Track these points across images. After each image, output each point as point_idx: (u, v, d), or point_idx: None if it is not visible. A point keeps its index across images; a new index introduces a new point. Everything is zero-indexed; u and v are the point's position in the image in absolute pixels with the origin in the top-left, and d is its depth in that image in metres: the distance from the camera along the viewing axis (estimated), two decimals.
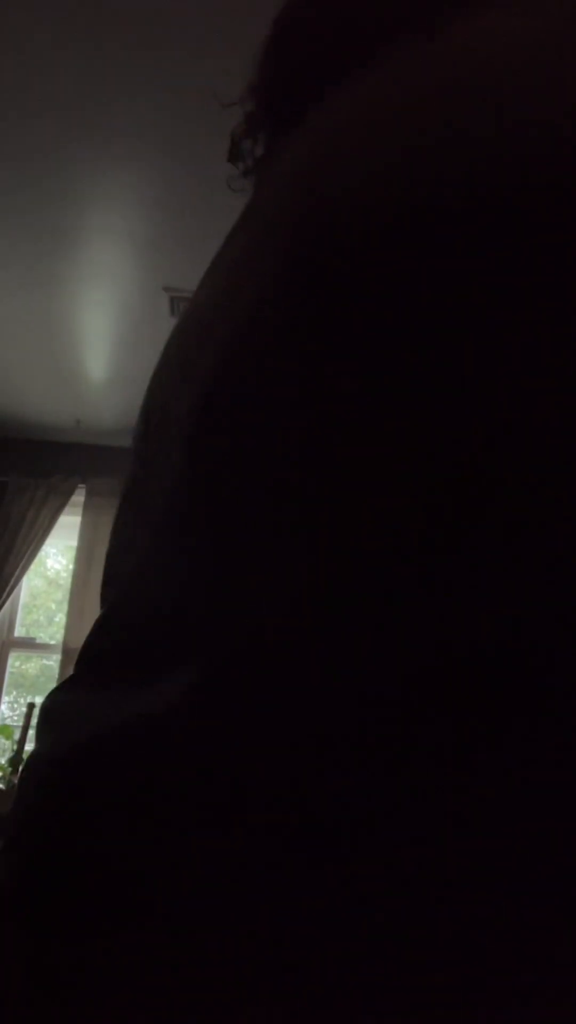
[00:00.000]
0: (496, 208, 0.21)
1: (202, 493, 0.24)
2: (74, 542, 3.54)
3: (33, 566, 3.37)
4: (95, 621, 0.28)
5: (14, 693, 3.73)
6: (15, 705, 3.69)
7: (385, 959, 0.17)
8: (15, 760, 2.63)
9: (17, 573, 3.25)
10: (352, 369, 0.22)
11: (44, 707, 0.28)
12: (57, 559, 4.68)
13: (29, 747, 2.59)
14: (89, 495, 3.38)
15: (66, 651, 3.19)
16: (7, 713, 3.54)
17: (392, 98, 0.26)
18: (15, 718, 3.54)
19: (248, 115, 0.42)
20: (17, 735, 2.72)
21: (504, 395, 0.20)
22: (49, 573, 4.77)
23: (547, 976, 0.16)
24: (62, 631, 3.30)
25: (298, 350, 0.23)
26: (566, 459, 0.19)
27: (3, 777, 2.63)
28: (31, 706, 2.74)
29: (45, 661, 3.87)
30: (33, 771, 0.25)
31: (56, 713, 0.26)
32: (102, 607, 0.29)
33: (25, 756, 2.34)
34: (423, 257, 0.22)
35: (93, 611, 3.08)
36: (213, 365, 0.26)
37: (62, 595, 4.36)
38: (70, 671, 0.38)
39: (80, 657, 0.28)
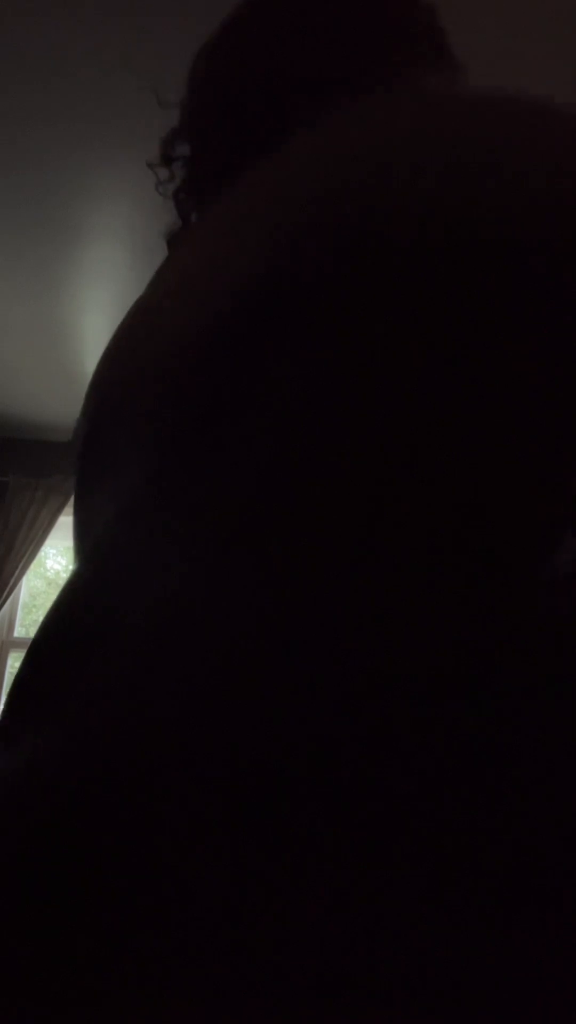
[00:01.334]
0: (504, 248, 0.22)
1: (181, 500, 0.25)
2: None
3: (33, 566, 3.37)
4: (65, 606, 0.27)
5: None
6: None
7: (385, 959, 0.17)
8: None
9: (17, 573, 3.25)
10: (298, 407, 0.23)
11: (9, 716, 0.27)
12: (57, 560, 4.68)
13: None
14: None
15: None
16: None
17: (394, 132, 0.27)
18: None
19: (186, 124, 0.44)
20: None
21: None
22: (49, 574, 4.77)
23: (547, 976, 0.16)
24: None
25: (272, 376, 0.24)
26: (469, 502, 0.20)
27: None
28: None
29: None
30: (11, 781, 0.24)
31: (22, 724, 0.26)
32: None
33: None
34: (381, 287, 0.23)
35: None
36: (189, 368, 0.27)
37: None
38: None
39: (46, 640, 0.27)
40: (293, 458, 0.23)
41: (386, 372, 0.23)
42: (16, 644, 3.39)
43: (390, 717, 0.19)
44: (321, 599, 0.20)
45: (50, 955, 0.18)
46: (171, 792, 0.19)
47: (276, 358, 0.25)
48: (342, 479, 0.22)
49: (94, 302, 2.49)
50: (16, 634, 3.43)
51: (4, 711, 0.27)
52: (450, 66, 0.42)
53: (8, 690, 0.28)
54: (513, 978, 0.16)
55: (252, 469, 0.24)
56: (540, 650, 0.19)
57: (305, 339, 0.24)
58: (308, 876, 0.17)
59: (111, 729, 0.21)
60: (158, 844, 0.19)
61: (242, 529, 0.23)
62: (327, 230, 0.25)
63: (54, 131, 1.79)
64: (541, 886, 0.17)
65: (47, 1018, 0.18)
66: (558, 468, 0.20)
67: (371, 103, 0.30)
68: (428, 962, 0.16)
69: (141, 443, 0.28)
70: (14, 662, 3.42)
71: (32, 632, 3.96)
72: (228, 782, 0.19)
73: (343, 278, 0.24)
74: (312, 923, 0.17)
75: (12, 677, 3.26)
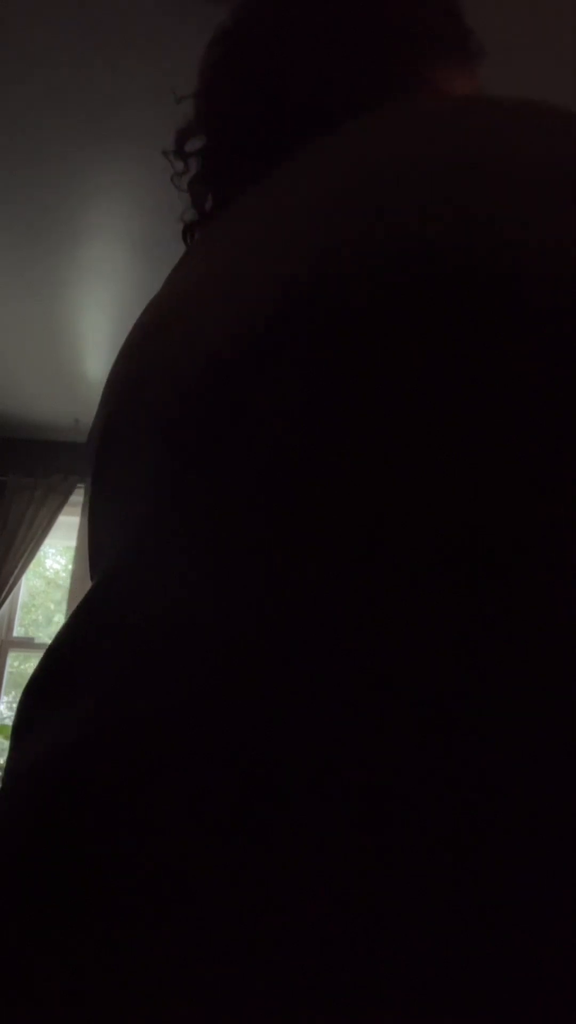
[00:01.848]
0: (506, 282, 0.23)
1: (196, 517, 0.25)
2: (73, 542, 3.54)
3: (32, 566, 3.37)
4: (79, 613, 0.28)
5: (13, 693, 3.73)
6: (14, 705, 3.67)
7: (385, 959, 0.17)
8: None
9: (16, 573, 3.24)
10: (303, 415, 0.24)
11: (20, 718, 0.27)
12: (56, 559, 4.68)
13: None
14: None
15: None
16: (5, 713, 3.54)
17: (403, 146, 0.27)
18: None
19: (200, 118, 0.44)
20: None
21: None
22: (48, 573, 4.77)
23: (547, 976, 0.16)
24: None
25: (285, 390, 0.25)
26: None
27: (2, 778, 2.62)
28: None
29: None
30: (17, 780, 0.24)
31: (38, 720, 0.26)
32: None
33: None
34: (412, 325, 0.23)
35: None
36: (200, 380, 0.27)
37: (61, 595, 4.37)
38: None
39: (60, 650, 0.27)
40: (294, 459, 0.23)
41: (386, 372, 0.23)
42: (15, 643, 3.39)
43: (391, 718, 0.19)
44: (322, 600, 0.20)
45: (50, 955, 0.18)
46: (172, 792, 0.19)
47: (285, 364, 0.25)
48: (342, 480, 0.22)
49: (94, 301, 2.49)
50: (15, 633, 3.43)
51: (18, 711, 0.27)
52: (462, 60, 0.42)
53: (23, 691, 0.28)
54: (513, 978, 0.16)
55: (253, 472, 0.24)
56: (541, 651, 0.19)
57: (311, 345, 0.24)
58: (308, 876, 0.18)
59: (113, 730, 0.21)
60: (159, 844, 0.19)
61: (243, 531, 0.23)
62: (341, 243, 0.26)
63: (53, 129, 1.79)
64: (542, 886, 0.17)
65: (47, 1018, 0.18)
66: (559, 468, 0.20)
67: (376, 116, 0.30)
68: (428, 962, 0.16)
69: (156, 448, 0.28)
70: (13, 661, 3.42)
71: (31, 632, 3.98)
72: (229, 782, 0.19)
73: (352, 287, 0.24)
74: (312, 923, 0.17)
75: (11, 676, 3.23)
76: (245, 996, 0.17)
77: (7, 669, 3.33)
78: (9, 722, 3.33)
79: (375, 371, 0.23)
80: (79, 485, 3.38)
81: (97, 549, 0.33)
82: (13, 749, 0.26)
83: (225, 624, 0.21)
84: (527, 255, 0.23)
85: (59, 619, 3.97)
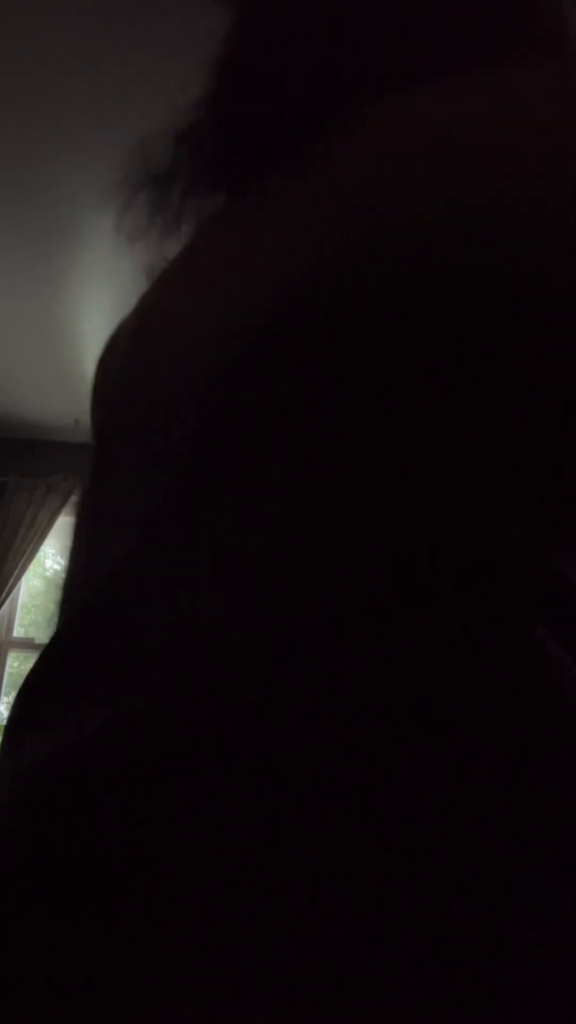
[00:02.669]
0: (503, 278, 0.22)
1: (198, 517, 0.25)
2: None
3: (32, 566, 3.37)
4: (76, 612, 0.28)
5: (13, 694, 3.73)
6: None
7: (385, 959, 0.17)
8: None
9: (16, 573, 3.24)
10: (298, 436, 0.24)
11: (16, 717, 0.27)
12: (56, 559, 4.67)
13: None
14: None
15: None
16: (6, 714, 3.54)
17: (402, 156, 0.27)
18: None
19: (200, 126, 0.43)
20: None
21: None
22: (48, 573, 4.77)
23: (547, 976, 0.16)
24: None
25: (280, 410, 0.25)
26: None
27: None
28: None
29: None
30: (16, 779, 0.24)
31: (35, 720, 0.26)
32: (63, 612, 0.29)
33: None
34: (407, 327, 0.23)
35: None
36: (198, 377, 0.27)
37: None
38: None
39: (55, 653, 0.27)
40: (293, 459, 0.23)
41: (386, 372, 0.23)
42: (15, 644, 3.39)
43: (391, 718, 0.19)
44: (322, 599, 0.20)
45: (50, 955, 0.18)
46: (172, 792, 0.19)
47: (284, 363, 0.25)
48: (342, 480, 0.22)
49: (94, 301, 2.49)
50: (15, 634, 3.43)
51: (13, 710, 0.27)
52: (474, 57, 0.40)
53: (18, 689, 0.28)
54: (513, 978, 0.16)
55: (253, 471, 0.24)
56: (541, 651, 0.19)
57: (311, 344, 0.24)
58: (308, 876, 0.17)
59: (112, 730, 0.21)
60: (159, 844, 0.19)
61: (243, 530, 0.23)
62: (341, 242, 0.26)
63: (53, 129, 1.79)
64: (541, 887, 0.17)
65: (47, 1018, 0.18)
66: (559, 468, 0.20)
67: (375, 112, 0.30)
68: (428, 962, 0.16)
69: (153, 445, 0.28)
70: (13, 661, 3.41)
71: (31, 632, 3.98)
72: (229, 782, 0.19)
73: (351, 286, 0.24)
74: (312, 923, 0.17)
75: (11, 677, 3.25)
76: (245, 996, 0.17)
77: (7, 669, 3.32)
78: None
79: (375, 371, 0.23)
80: (79, 485, 3.38)
81: (87, 546, 0.33)
82: (9, 748, 0.26)
83: (225, 623, 0.21)
84: (527, 255, 0.23)
85: None
